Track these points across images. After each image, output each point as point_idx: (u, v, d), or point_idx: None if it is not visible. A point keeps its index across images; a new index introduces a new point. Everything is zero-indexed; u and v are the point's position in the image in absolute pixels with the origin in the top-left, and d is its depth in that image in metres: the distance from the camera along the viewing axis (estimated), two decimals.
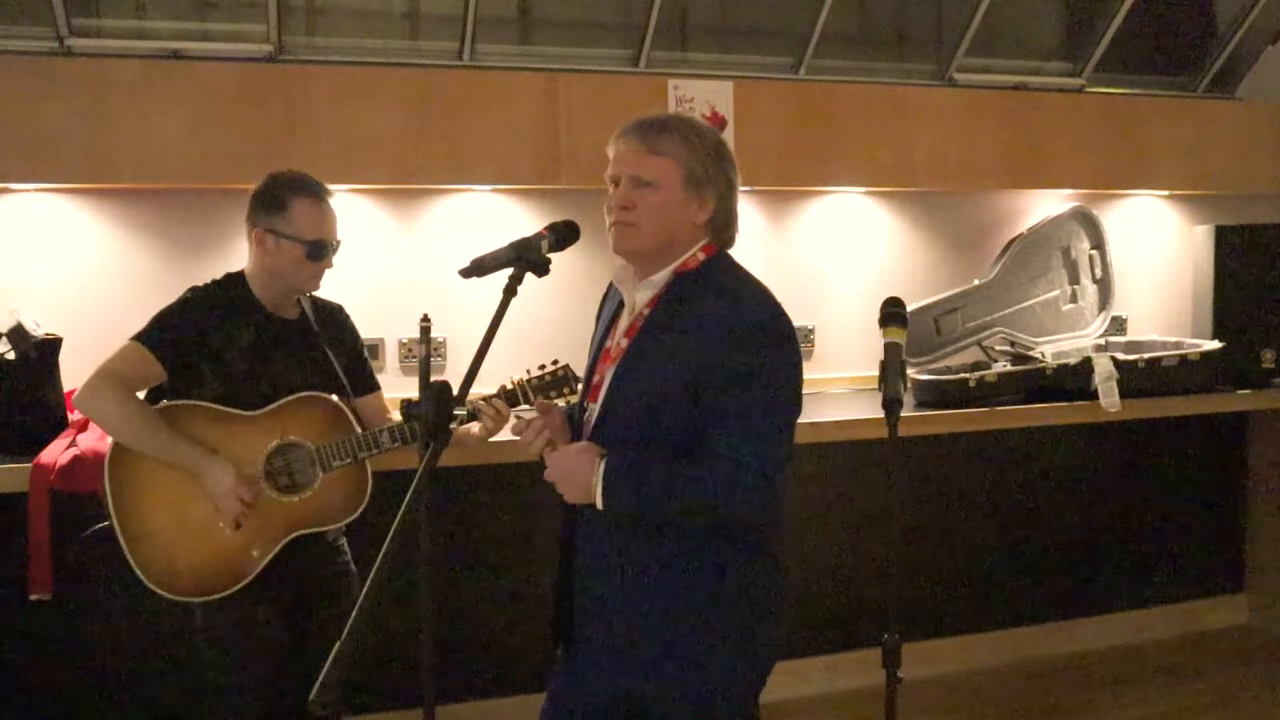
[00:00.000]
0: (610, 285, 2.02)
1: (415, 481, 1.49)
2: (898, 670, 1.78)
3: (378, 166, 3.17)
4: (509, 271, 1.77)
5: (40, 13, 3.00)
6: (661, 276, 1.84)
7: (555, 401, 2.26)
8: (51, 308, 2.98)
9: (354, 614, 1.30)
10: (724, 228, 1.88)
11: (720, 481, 1.70)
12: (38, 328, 2.74)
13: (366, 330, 3.29)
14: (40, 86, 2.90)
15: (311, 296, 2.52)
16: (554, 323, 3.28)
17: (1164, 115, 3.99)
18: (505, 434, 2.90)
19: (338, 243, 2.41)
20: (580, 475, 1.75)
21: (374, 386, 2.61)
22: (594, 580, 1.84)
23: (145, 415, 2.25)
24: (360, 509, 2.39)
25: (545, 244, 1.80)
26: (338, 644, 1.28)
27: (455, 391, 1.62)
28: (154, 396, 2.34)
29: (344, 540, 2.54)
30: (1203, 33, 4.20)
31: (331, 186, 3.21)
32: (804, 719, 3.46)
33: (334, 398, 2.41)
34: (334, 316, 2.55)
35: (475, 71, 3.33)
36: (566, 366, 2.51)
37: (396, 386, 3.28)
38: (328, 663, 1.27)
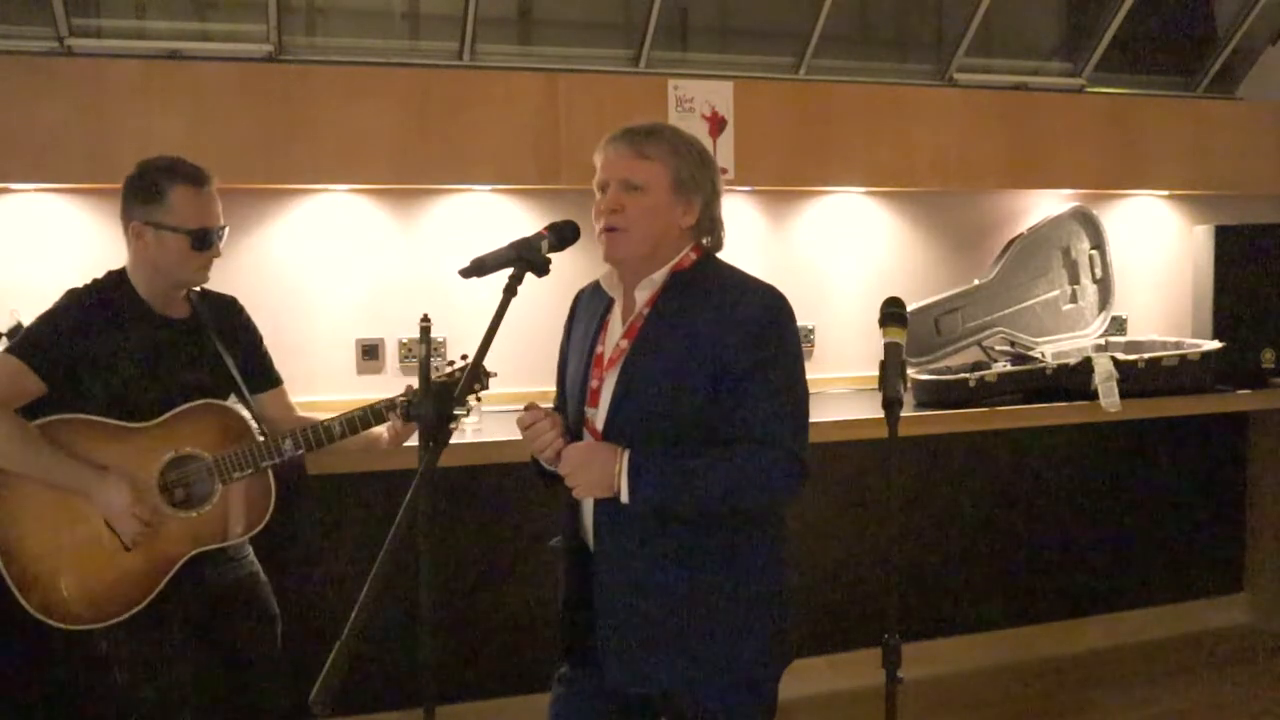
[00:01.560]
0: (579, 296, 2.03)
1: (415, 481, 1.49)
2: (898, 670, 1.78)
3: (378, 166, 3.17)
4: (509, 271, 1.77)
5: (40, 13, 3.00)
6: (660, 275, 1.86)
7: (470, 401, 2.27)
8: None
9: (354, 614, 1.30)
10: (709, 233, 1.92)
11: (757, 465, 1.75)
12: None
13: (367, 330, 3.31)
14: (40, 86, 2.90)
15: (202, 291, 2.35)
16: (553, 323, 3.26)
17: (1164, 115, 3.99)
18: (503, 434, 2.91)
19: (223, 227, 2.25)
20: (602, 466, 1.75)
21: (276, 381, 2.43)
22: (616, 581, 1.83)
23: (23, 433, 2.09)
24: (265, 520, 2.26)
25: (545, 244, 1.80)
26: (338, 643, 1.28)
27: (454, 392, 1.63)
28: (32, 410, 2.16)
29: (248, 550, 2.40)
30: (1203, 33, 4.20)
31: (331, 186, 3.24)
32: (804, 719, 3.46)
33: (231, 404, 2.29)
34: (226, 311, 2.38)
35: (475, 71, 3.33)
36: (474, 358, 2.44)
37: (396, 386, 3.27)
38: (328, 663, 1.27)
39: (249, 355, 2.39)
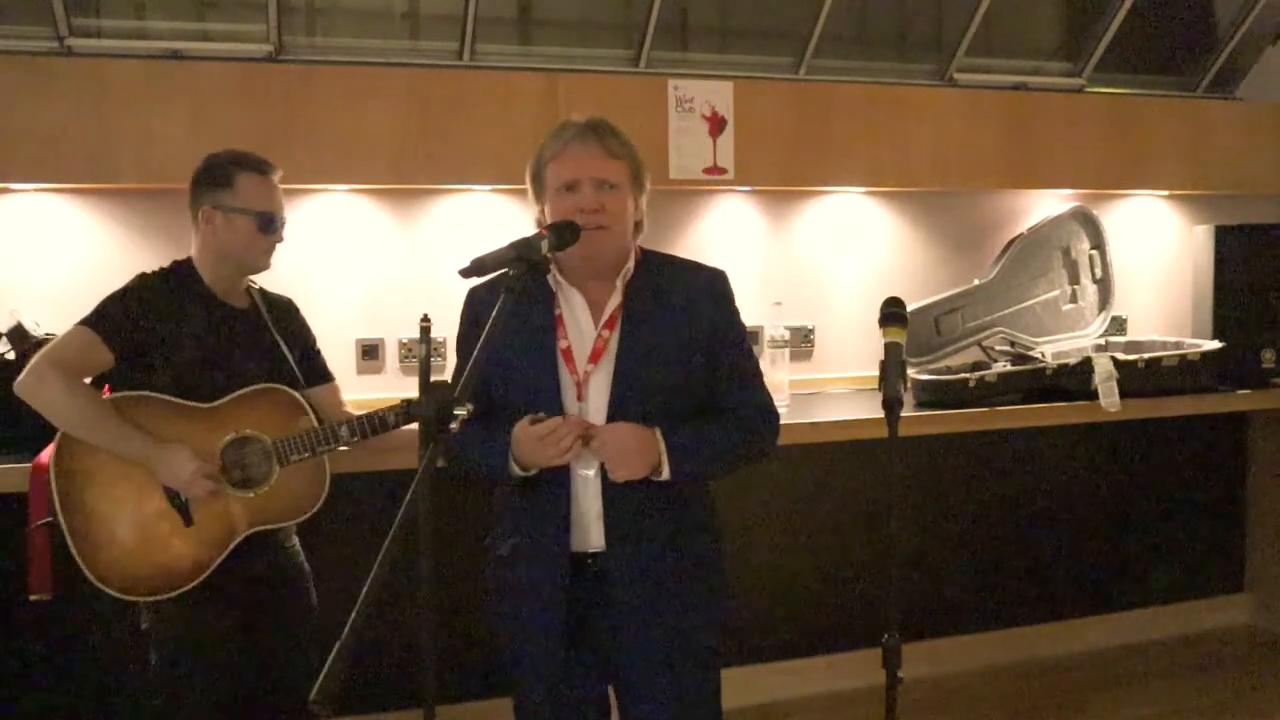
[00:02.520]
0: (475, 296, 2.00)
1: (415, 481, 1.49)
2: (898, 670, 1.78)
3: (378, 166, 3.16)
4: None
5: (40, 13, 3.00)
6: (630, 266, 1.94)
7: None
8: (51, 308, 2.97)
9: (354, 613, 1.29)
10: (640, 227, 2.00)
11: (761, 428, 1.97)
12: (38, 328, 2.74)
13: (367, 330, 3.32)
14: (40, 86, 2.90)
15: (261, 289, 2.45)
16: None
17: (1164, 115, 3.99)
18: None
19: (284, 219, 2.37)
20: (647, 450, 1.82)
21: (328, 377, 2.53)
22: (632, 576, 1.88)
23: (95, 403, 2.16)
24: (318, 505, 2.33)
25: (545, 244, 1.80)
26: (338, 643, 1.28)
27: (455, 392, 1.62)
28: (98, 386, 2.26)
29: (295, 540, 2.47)
30: (1203, 33, 4.20)
31: (331, 186, 3.25)
32: (804, 719, 3.46)
33: (291, 391, 2.35)
34: (285, 309, 2.48)
35: (475, 71, 3.34)
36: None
37: (396, 386, 3.29)
38: (328, 662, 1.27)
39: (304, 351, 2.48)
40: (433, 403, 1.54)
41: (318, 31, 3.39)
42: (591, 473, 1.88)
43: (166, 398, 2.22)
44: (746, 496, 3.53)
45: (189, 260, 2.34)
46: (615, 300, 1.91)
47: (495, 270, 1.79)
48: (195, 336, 2.24)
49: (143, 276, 2.31)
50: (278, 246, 2.39)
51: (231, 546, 2.24)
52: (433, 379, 1.69)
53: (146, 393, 2.21)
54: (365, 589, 1.32)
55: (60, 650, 2.95)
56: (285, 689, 2.35)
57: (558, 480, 1.88)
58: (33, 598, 2.54)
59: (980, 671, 3.77)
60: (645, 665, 1.91)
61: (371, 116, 3.12)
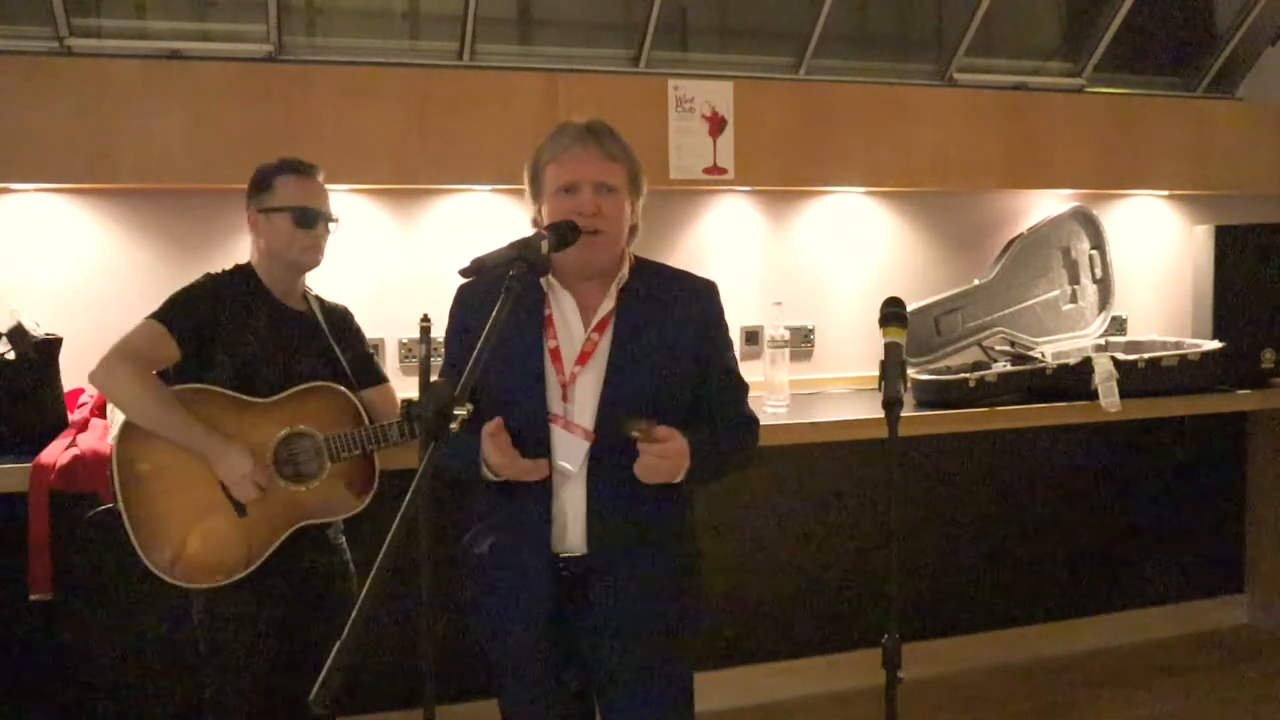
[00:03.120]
0: (464, 294, 2.00)
1: (415, 481, 1.48)
2: (898, 670, 1.78)
3: (378, 166, 3.17)
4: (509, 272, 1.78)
5: (40, 13, 3.00)
6: (625, 271, 1.95)
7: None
8: (51, 308, 2.98)
9: (354, 613, 1.30)
10: (635, 230, 2.00)
11: (748, 437, 2.02)
12: (38, 328, 2.74)
13: (367, 330, 3.30)
14: (40, 86, 2.90)
15: (318, 297, 2.54)
16: None
17: (1164, 115, 3.99)
18: None
19: (332, 217, 2.44)
20: (683, 459, 1.82)
21: (382, 379, 2.61)
22: (614, 581, 1.88)
23: (163, 395, 2.24)
24: (366, 501, 2.40)
25: (545, 244, 1.79)
26: (338, 643, 1.28)
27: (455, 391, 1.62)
28: (164, 379, 2.33)
29: (343, 539, 2.54)
30: (1203, 33, 4.20)
31: (331, 186, 3.22)
32: (804, 719, 3.46)
33: (344, 389, 2.41)
34: (339, 315, 2.58)
35: (475, 71, 3.33)
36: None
37: (396, 386, 3.27)
38: (328, 662, 1.27)
39: (357, 355, 2.55)
40: (432, 402, 1.54)
41: (317, 31, 3.39)
42: (574, 468, 1.87)
43: (226, 391, 2.29)
44: (746, 496, 3.53)
45: (249, 264, 2.43)
46: (608, 305, 1.91)
47: (496, 270, 1.79)
48: (256, 334, 2.34)
49: (210, 275, 2.39)
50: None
51: (283, 539, 2.31)
52: (433, 379, 1.68)
53: (207, 386, 2.29)
54: (365, 589, 1.32)
55: (61, 649, 2.95)
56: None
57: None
58: (33, 598, 2.55)
59: (980, 671, 3.77)
60: (623, 670, 1.91)
61: (371, 116, 3.12)
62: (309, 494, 2.34)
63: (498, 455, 1.82)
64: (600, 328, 1.90)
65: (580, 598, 1.89)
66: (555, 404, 1.88)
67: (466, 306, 1.99)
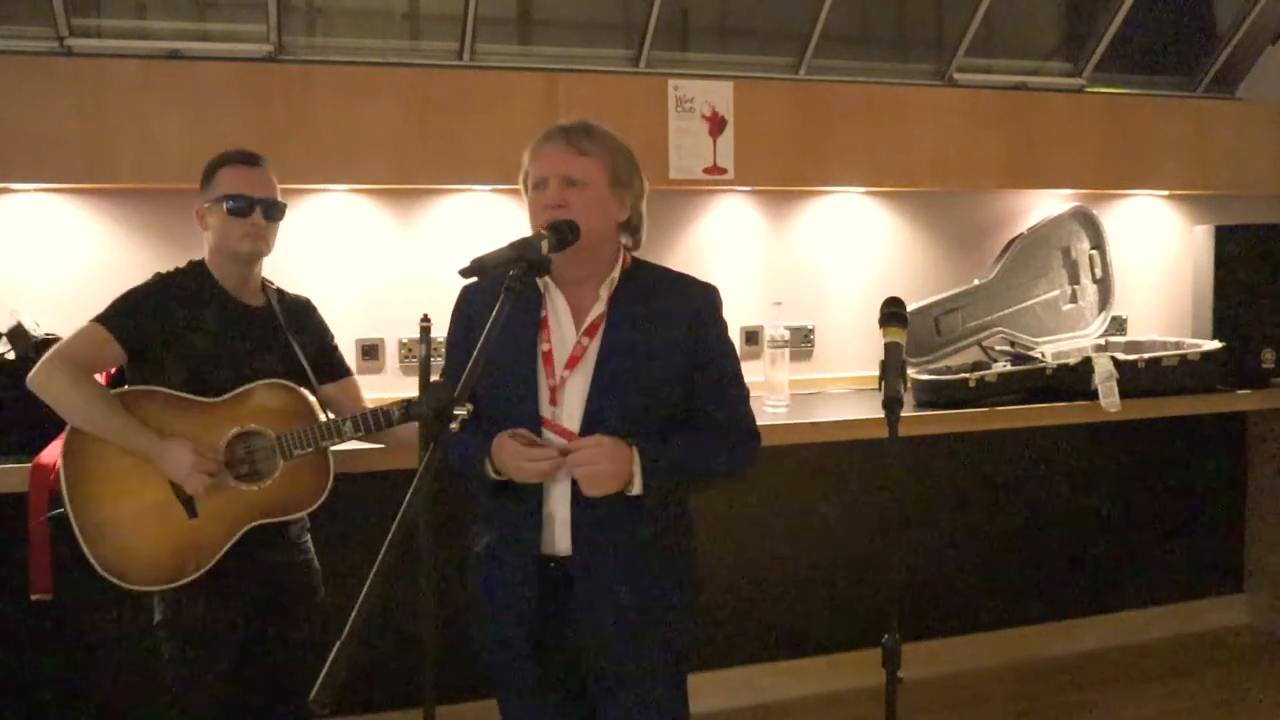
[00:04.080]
0: (468, 294, 2.01)
1: (415, 481, 1.48)
2: (898, 670, 1.78)
3: (378, 166, 3.17)
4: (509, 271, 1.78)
5: (40, 13, 3.00)
6: (616, 273, 1.94)
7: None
8: (51, 308, 2.98)
9: (354, 614, 1.29)
10: (636, 231, 1.99)
11: (737, 445, 1.96)
12: (38, 328, 2.74)
13: (367, 330, 3.32)
14: (40, 86, 2.90)
15: (279, 289, 2.49)
16: None
17: (1164, 115, 3.99)
18: None
19: (265, 201, 2.35)
20: (620, 468, 1.80)
21: (345, 373, 2.57)
22: (596, 584, 1.87)
23: (101, 397, 2.21)
24: (322, 498, 2.36)
25: (545, 244, 1.80)
26: (338, 643, 1.28)
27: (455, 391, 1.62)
28: (117, 382, 2.32)
29: (307, 537, 2.50)
30: (1203, 33, 4.20)
31: (331, 186, 3.24)
32: (804, 719, 3.46)
33: (296, 386, 2.37)
34: (300, 309, 2.52)
35: (475, 71, 3.33)
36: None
37: (396, 386, 3.29)
38: (328, 662, 1.26)
39: (319, 349, 2.51)
40: (432, 402, 1.54)
41: (317, 31, 3.39)
42: (563, 472, 1.87)
43: (173, 392, 2.26)
44: (746, 496, 3.53)
45: (203, 260, 2.39)
46: (598, 309, 1.91)
47: (496, 270, 1.79)
48: (207, 333, 2.29)
49: (159, 275, 2.36)
50: (278, 234, 2.41)
51: (236, 538, 2.28)
52: (432, 379, 1.68)
53: (154, 387, 2.26)
54: (365, 589, 1.32)
55: (63, 650, 2.95)
56: (292, 686, 2.37)
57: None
58: (34, 598, 2.55)
59: (980, 671, 3.77)
60: (612, 672, 1.91)
61: (371, 116, 3.12)
62: (261, 493, 2.30)
63: (510, 456, 1.83)
64: (590, 331, 1.90)
65: (566, 598, 1.88)
66: (544, 407, 1.88)
67: (470, 306, 1.99)
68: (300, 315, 2.50)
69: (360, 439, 2.39)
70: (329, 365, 2.52)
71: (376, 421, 2.36)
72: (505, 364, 1.89)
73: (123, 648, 2.96)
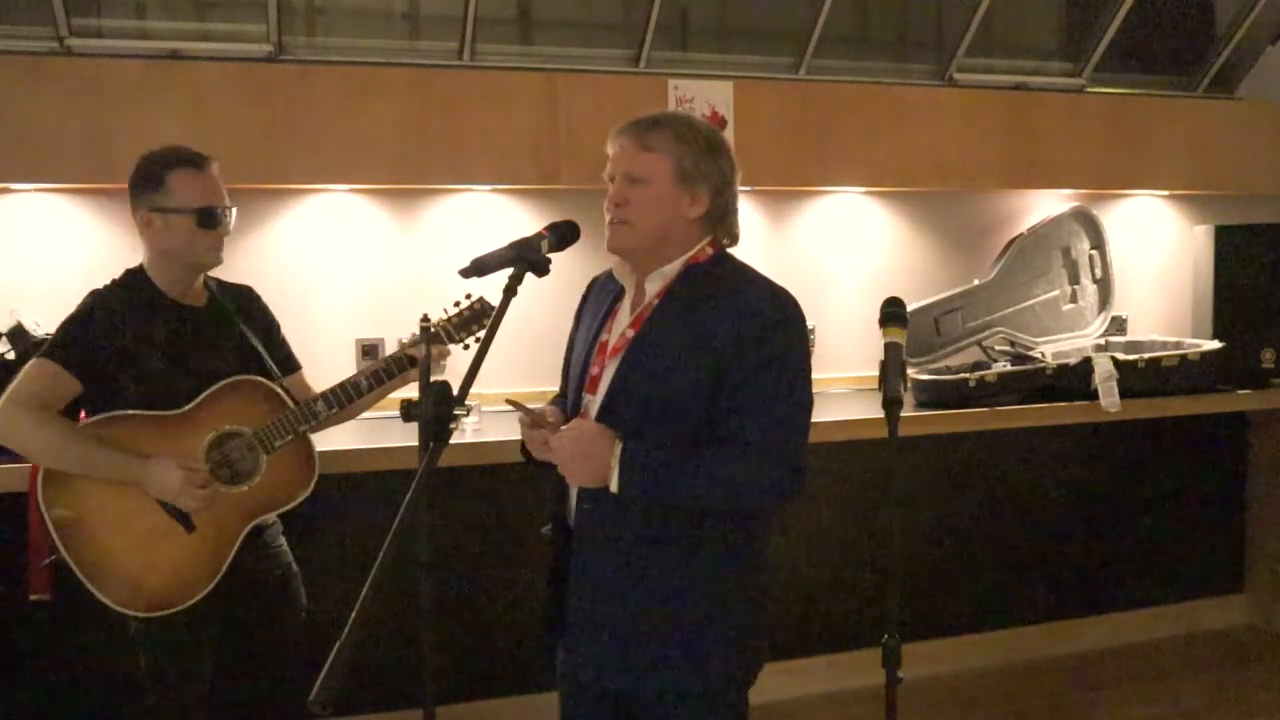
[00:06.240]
0: (593, 284, 2.03)
1: (415, 481, 1.49)
2: (898, 670, 1.78)
3: (378, 166, 3.17)
4: (509, 271, 1.77)
5: (40, 13, 3.00)
6: (673, 268, 1.84)
7: (467, 340, 2.39)
8: (51, 308, 2.96)
9: (354, 613, 1.29)
10: (720, 222, 1.88)
11: (751, 470, 1.73)
12: (38, 328, 2.74)
13: (367, 330, 3.32)
14: (40, 86, 2.90)
15: (217, 280, 2.40)
16: (552, 322, 3.27)
17: (1164, 115, 4.00)
18: (503, 434, 2.91)
19: (229, 208, 2.28)
20: (598, 455, 1.71)
21: (295, 366, 2.50)
22: (590, 564, 1.82)
23: (69, 433, 2.14)
24: (312, 483, 2.33)
25: (545, 244, 1.79)
26: (338, 643, 1.28)
27: (455, 391, 1.62)
28: (72, 412, 2.22)
29: (282, 540, 2.46)
30: (1203, 33, 4.21)
31: (331, 186, 3.24)
32: (804, 719, 3.46)
33: (260, 379, 2.32)
34: (244, 297, 2.44)
35: (475, 71, 3.33)
36: (481, 299, 2.45)
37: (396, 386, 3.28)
38: (328, 662, 1.27)
39: (269, 340, 2.43)
40: (432, 402, 1.54)
41: (318, 31, 3.39)
42: None
43: (139, 412, 2.18)
44: None
45: (140, 268, 2.29)
46: (647, 302, 1.87)
47: (496, 270, 1.79)
48: (156, 345, 2.21)
49: (95, 294, 2.26)
50: (227, 240, 2.32)
51: (239, 542, 2.25)
52: (433, 379, 1.68)
53: (118, 412, 2.18)
54: (365, 589, 1.32)
55: (60, 650, 2.95)
56: (274, 687, 2.36)
57: None
58: (33, 598, 2.55)
59: (980, 671, 3.76)
60: (602, 653, 1.84)
61: (371, 116, 3.12)
62: (252, 492, 2.26)
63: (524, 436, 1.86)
64: (636, 324, 1.85)
65: (567, 568, 1.86)
66: (585, 395, 1.88)
67: (584, 301, 2.03)
68: (246, 303, 2.43)
69: (334, 417, 2.35)
70: (280, 358, 2.45)
71: (347, 394, 2.33)
72: (578, 353, 1.93)
73: (111, 655, 2.92)
